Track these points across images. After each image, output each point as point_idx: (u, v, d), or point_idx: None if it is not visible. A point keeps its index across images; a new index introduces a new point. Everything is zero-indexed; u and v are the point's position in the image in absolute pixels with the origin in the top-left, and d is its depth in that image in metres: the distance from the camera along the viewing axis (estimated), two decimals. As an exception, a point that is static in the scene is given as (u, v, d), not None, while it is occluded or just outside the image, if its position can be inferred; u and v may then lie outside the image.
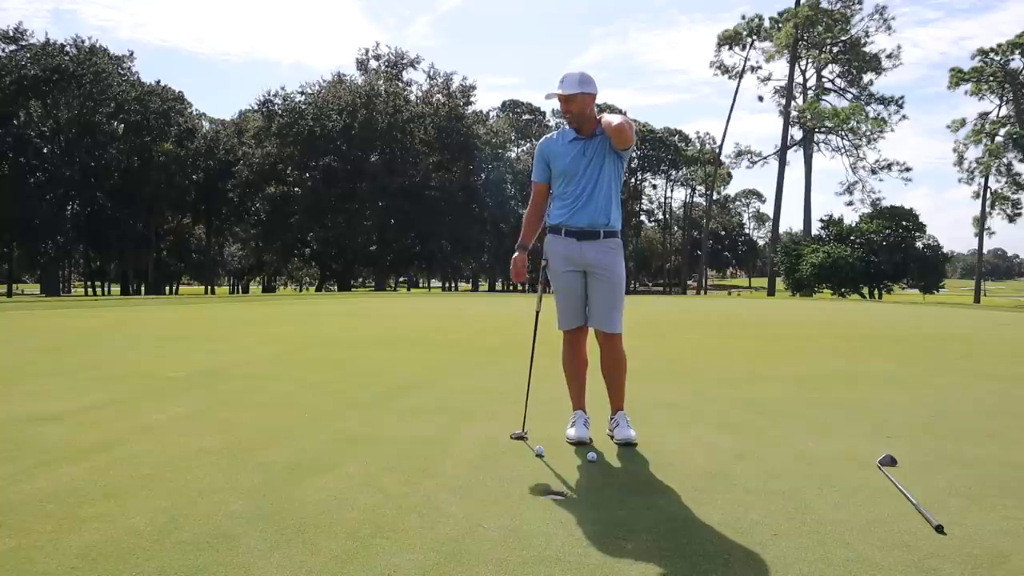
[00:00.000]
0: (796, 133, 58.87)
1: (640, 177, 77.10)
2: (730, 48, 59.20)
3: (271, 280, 73.45)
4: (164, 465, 3.17)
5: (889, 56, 56.13)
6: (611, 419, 3.84)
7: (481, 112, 61.18)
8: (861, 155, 57.14)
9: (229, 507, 2.63)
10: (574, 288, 3.73)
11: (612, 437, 3.76)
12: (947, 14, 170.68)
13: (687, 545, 2.36)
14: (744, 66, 59.21)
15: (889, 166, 56.54)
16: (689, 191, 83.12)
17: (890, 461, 3.29)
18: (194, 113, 58.80)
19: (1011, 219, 50.55)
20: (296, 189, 54.09)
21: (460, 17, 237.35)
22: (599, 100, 3.68)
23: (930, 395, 5.41)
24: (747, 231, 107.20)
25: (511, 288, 69.66)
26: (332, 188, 51.12)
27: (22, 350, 7.79)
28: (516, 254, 3.82)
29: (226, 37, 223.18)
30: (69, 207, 50.12)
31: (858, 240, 48.10)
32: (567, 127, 3.71)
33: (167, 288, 62.95)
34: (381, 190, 50.05)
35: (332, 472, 3.10)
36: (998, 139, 49.59)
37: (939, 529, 2.49)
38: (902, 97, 57.36)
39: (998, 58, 49.20)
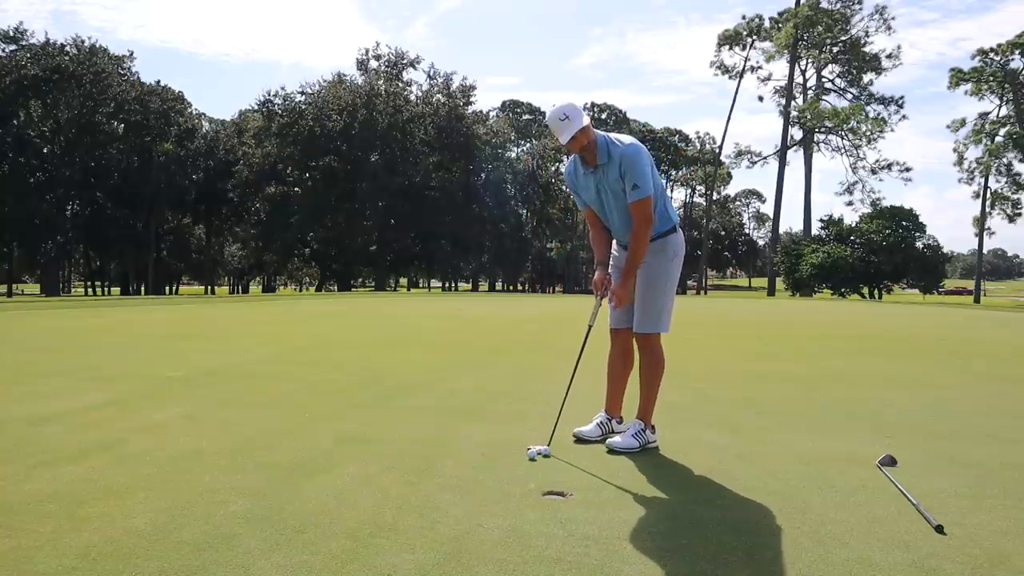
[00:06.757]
0: (796, 133, 58.93)
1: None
2: (730, 48, 59.26)
3: (271, 280, 73.45)
4: (164, 465, 3.17)
5: (889, 56, 56.25)
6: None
7: (481, 112, 61.17)
8: (861, 155, 57.21)
9: (229, 507, 2.63)
10: None
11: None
12: (944, 15, 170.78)
13: (687, 545, 2.36)
14: (744, 66, 59.29)
15: (889, 166, 56.61)
16: (689, 191, 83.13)
17: (890, 461, 3.29)
18: (194, 113, 58.78)
19: (1011, 219, 50.57)
20: (296, 189, 54.09)
21: (459, 17, 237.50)
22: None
23: (930, 395, 5.41)
24: (747, 231, 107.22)
25: (511, 288, 69.72)
26: (332, 188, 51.11)
27: (22, 350, 7.78)
28: (596, 273, 3.82)
29: (226, 37, 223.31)
30: (69, 207, 50.14)
31: (858, 240, 48.15)
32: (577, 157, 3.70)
33: (167, 288, 62.94)
34: (381, 190, 50.05)
35: (332, 472, 3.10)
36: (998, 139, 49.60)
37: (939, 529, 2.49)
38: (902, 97, 57.56)
39: (998, 58, 49.23)
